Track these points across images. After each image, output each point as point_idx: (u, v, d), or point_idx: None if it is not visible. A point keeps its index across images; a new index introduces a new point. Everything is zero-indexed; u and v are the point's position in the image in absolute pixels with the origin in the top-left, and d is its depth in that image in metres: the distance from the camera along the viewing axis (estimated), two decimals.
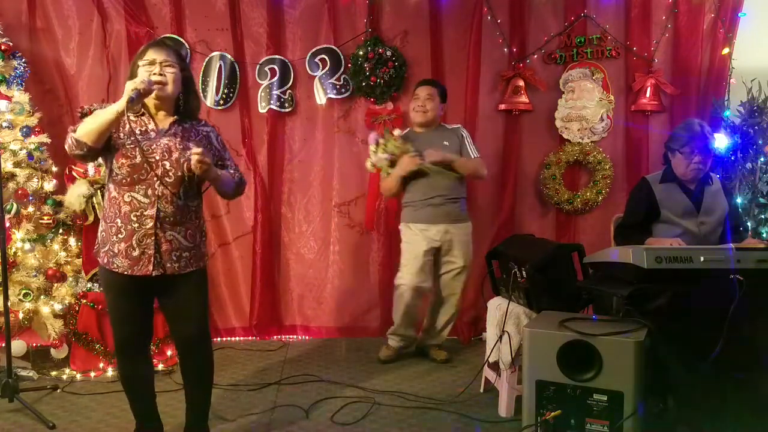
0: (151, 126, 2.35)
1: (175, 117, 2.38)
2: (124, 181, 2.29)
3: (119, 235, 2.30)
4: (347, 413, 3.01)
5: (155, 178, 2.28)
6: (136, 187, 2.27)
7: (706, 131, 2.97)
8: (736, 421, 2.33)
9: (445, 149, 3.63)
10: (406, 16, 4.16)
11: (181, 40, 4.00)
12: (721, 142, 4.04)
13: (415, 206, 3.65)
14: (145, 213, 2.28)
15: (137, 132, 2.30)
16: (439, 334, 3.83)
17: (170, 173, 2.29)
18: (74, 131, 2.24)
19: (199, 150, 2.24)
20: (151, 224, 2.28)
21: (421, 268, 3.65)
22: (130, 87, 2.18)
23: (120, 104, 2.17)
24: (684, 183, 3.02)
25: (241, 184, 2.52)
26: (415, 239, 3.66)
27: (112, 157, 2.29)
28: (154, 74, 2.26)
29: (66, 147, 2.27)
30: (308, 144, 4.20)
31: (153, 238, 2.29)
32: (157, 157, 2.29)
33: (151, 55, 2.30)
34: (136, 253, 2.29)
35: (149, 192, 2.28)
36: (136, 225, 2.28)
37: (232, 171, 2.48)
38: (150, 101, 2.33)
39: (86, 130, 2.20)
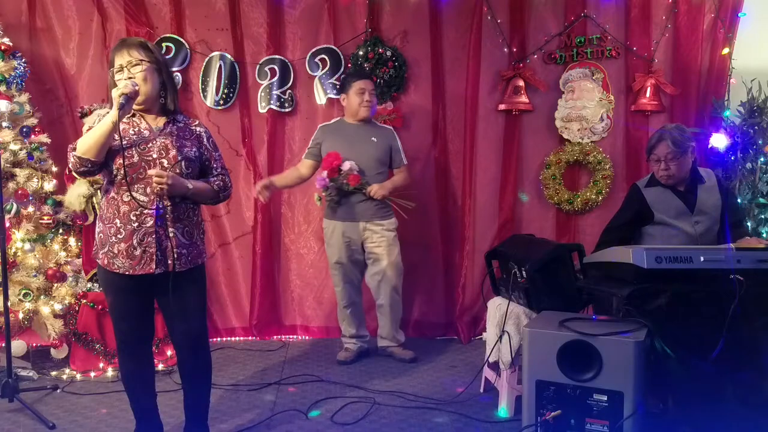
0: (144, 125, 2.36)
1: (167, 118, 2.39)
2: (123, 181, 2.29)
3: (119, 236, 2.30)
4: (347, 413, 3.01)
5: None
6: (135, 186, 2.28)
7: (671, 139, 2.91)
8: (736, 421, 2.33)
9: (372, 145, 3.66)
10: (406, 16, 4.16)
11: (181, 39, 4.00)
12: (720, 141, 4.04)
13: (334, 203, 3.67)
14: (145, 212, 2.28)
15: (131, 132, 2.31)
16: (387, 334, 3.78)
17: (168, 171, 2.30)
18: (74, 149, 2.25)
19: (155, 171, 2.25)
20: (152, 222, 2.29)
21: (345, 267, 3.70)
22: (116, 94, 2.19)
23: (112, 114, 2.18)
24: (674, 185, 3.02)
25: (221, 192, 2.49)
26: (335, 239, 3.69)
27: (110, 158, 2.29)
28: (125, 80, 2.26)
29: (70, 165, 2.29)
30: (308, 144, 4.20)
31: (154, 236, 2.29)
32: (155, 156, 2.30)
33: (117, 61, 2.31)
34: (137, 252, 2.29)
35: (148, 190, 2.29)
36: (136, 224, 2.29)
37: (215, 174, 2.48)
38: (135, 105, 2.33)
39: (86, 146, 2.21)
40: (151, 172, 2.26)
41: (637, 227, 3.09)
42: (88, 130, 2.33)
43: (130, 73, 2.29)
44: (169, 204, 2.31)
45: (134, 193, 2.27)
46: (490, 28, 4.16)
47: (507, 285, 3.06)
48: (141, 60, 2.31)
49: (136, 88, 2.24)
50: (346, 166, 3.57)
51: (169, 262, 2.33)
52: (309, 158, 3.75)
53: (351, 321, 3.79)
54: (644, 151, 4.20)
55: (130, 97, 2.20)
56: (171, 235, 2.32)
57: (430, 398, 3.18)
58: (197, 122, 2.52)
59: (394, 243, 3.70)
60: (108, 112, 2.35)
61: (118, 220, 2.30)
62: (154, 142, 2.32)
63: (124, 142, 2.26)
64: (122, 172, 2.27)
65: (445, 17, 4.16)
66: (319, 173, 3.69)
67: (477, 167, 4.26)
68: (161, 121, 2.39)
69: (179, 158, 2.33)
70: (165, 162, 2.30)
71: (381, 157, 3.68)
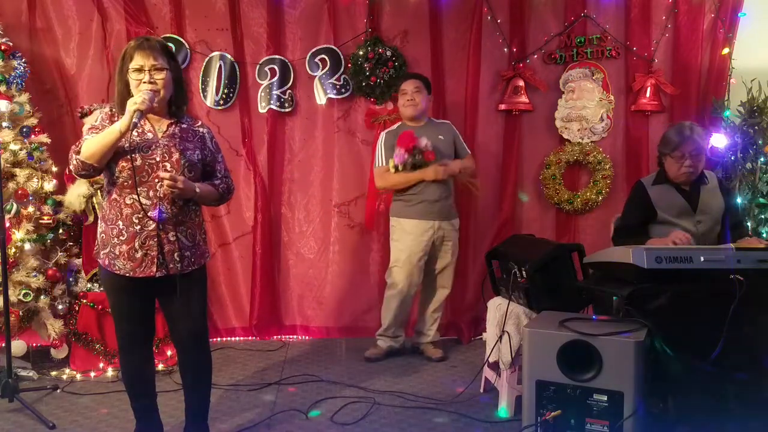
0: (148, 127, 2.35)
1: (171, 120, 2.39)
2: (125, 183, 2.29)
3: (121, 237, 2.30)
4: (347, 413, 3.01)
5: (156, 180, 2.28)
6: (138, 189, 2.27)
7: (696, 135, 2.92)
8: (736, 421, 2.33)
9: (441, 143, 3.68)
10: (406, 16, 4.16)
11: (181, 39, 4.00)
12: (720, 141, 4.04)
13: (410, 201, 3.66)
14: (149, 214, 2.28)
15: (134, 134, 2.30)
16: (429, 330, 3.84)
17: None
18: (78, 153, 2.24)
19: (167, 175, 2.24)
20: (154, 226, 2.29)
21: (414, 266, 3.68)
22: (131, 108, 2.18)
23: (123, 125, 2.18)
24: (679, 184, 3.02)
25: (225, 194, 2.51)
26: (408, 237, 3.67)
27: (113, 161, 2.29)
28: (145, 82, 2.26)
29: (71, 167, 2.29)
30: (308, 144, 4.20)
31: (156, 239, 2.29)
32: (158, 159, 2.30)
33: (139, 60, 2.28)
34: (138, 255, 2.29)
35: (151, 194, 2.28)
36: (138, 227, 2.29)
37: (219, 177, 2.49)
38: None
39: (91, 151, 2.21)
40: (163, 174, 2.25)
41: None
42: (89, 129, 2.33)
43: (152, 77, 2.28)
44: (170, 208, 2.30)
45: (138, 197, 2.26)
46: (490, 28, 4.17)
47: (507, 285, 3.06)
48: (164, 68, 2.30)
49: (154, 104, 2.24)
50: (422, 142, 3.59)
51: (170, 265, 2.32)
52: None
53: (399, 318, 3.76)
54: (645, 151, 4.25)
55: (143, 114, 2.21)
56: (173, 239, 2.32)
57: (430, 398, 3.18)
58: (200, 123, 2.52)
59: (457, 243, 3.79)
60: (107, 111, 2.35)
61: (120, 222, 2.30)
62: (158, 144, 2.32)
63: (127, 145, 2.26)
64: (124, 174, 2.27)
65: (445, 17, 4.16)
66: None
67: (477, 167, 4.25)
68: (164, 123, 2.38)
69: (182, 162, 2.32)
70: (168, 165, 2.30)
71: (450, 152, 3.74)
